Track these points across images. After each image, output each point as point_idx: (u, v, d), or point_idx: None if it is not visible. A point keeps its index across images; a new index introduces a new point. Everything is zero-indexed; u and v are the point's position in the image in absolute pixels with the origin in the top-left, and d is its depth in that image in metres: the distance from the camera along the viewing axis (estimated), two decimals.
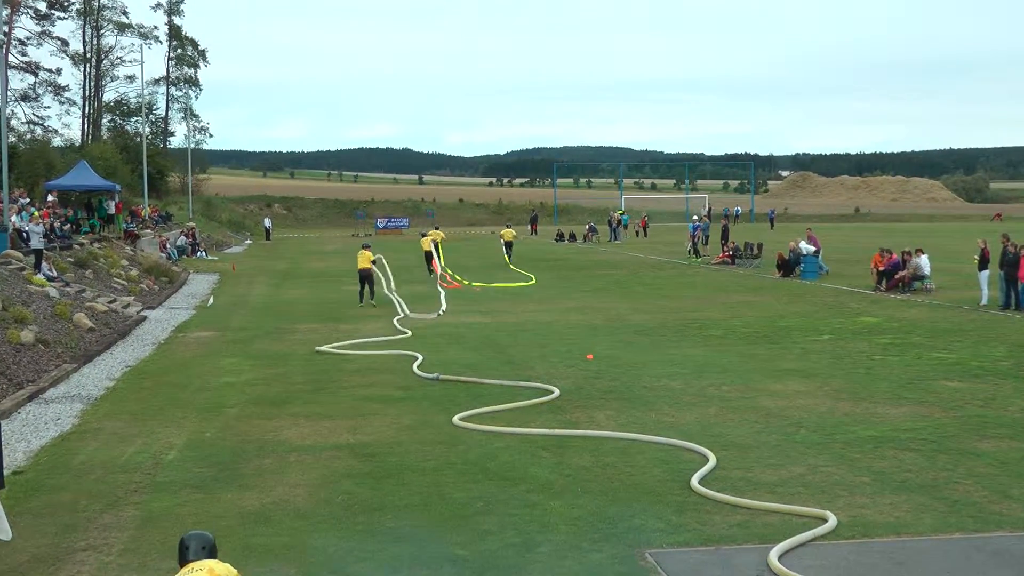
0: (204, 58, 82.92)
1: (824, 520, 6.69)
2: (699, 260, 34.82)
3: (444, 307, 20.63)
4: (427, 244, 28.58)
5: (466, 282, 26.96)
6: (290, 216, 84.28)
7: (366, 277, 21.43)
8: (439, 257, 27.91)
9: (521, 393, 11.44)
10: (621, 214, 56.89)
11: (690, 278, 27.90)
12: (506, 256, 36.68)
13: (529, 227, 63.82)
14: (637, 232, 57.23)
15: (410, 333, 16.75)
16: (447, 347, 15.27)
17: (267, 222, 61.22)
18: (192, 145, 78.33)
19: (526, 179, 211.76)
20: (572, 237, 52.45)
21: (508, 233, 38.77)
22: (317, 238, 62.48)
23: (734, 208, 79.76)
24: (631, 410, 10.48)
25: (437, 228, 36.37)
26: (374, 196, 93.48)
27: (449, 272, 28.68)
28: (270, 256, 42.70)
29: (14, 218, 24.46)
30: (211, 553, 3.84)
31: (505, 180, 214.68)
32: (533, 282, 27.61)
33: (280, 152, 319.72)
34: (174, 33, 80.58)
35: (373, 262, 21.68)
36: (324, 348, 15.21)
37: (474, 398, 11.17)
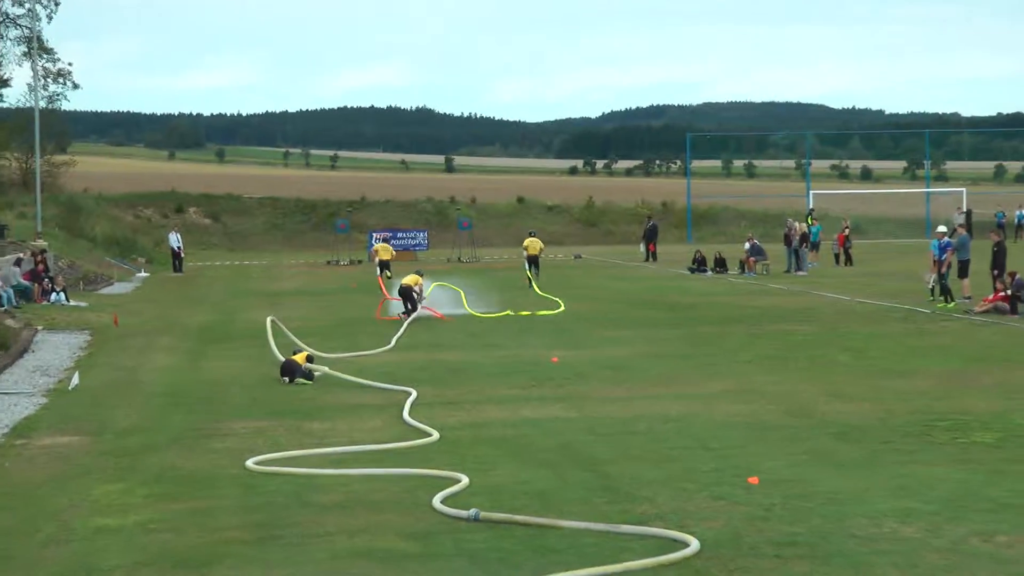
0: None
1: None
2: (951, 305, 34.73)
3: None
4: (386, 254, 46.65)
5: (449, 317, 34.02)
6: (217, 228, 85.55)
7: (289, 372, 23.06)
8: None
9: (629, 546, 11.43)
10: (810, 222, 56.58)
11: (934, 338, 27.78)
12: (529, 275, 45.73)
13: (643, 246, 64.06)
14: (837, 255, 56.79)
15: (436, 436, 17.03)
16: (500, 461, 15.45)
17: (175, 239, 61.92)
18: (43, 104, 79.70)
19: (636, 163, 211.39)
20: (721, 264, 52.49)
21: (534, 244, 47.89)
22: (265, 267, 63.17)
23: (1015, 212, 78.80)
24: None
25: (385, 241, 52.69)
26: (366, 192, 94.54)
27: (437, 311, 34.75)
28: (181, 300, 43.34)
29: None
30: None
31: (598, 164, 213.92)
32: (561, 309, 34.94)
33: (200, 116, 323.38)
34: None
35: (309, 359, 23.76)
36: (256, 464, 15.42)
37: (545, 554, 11.22)
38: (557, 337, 29.46)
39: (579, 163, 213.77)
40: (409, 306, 34.00)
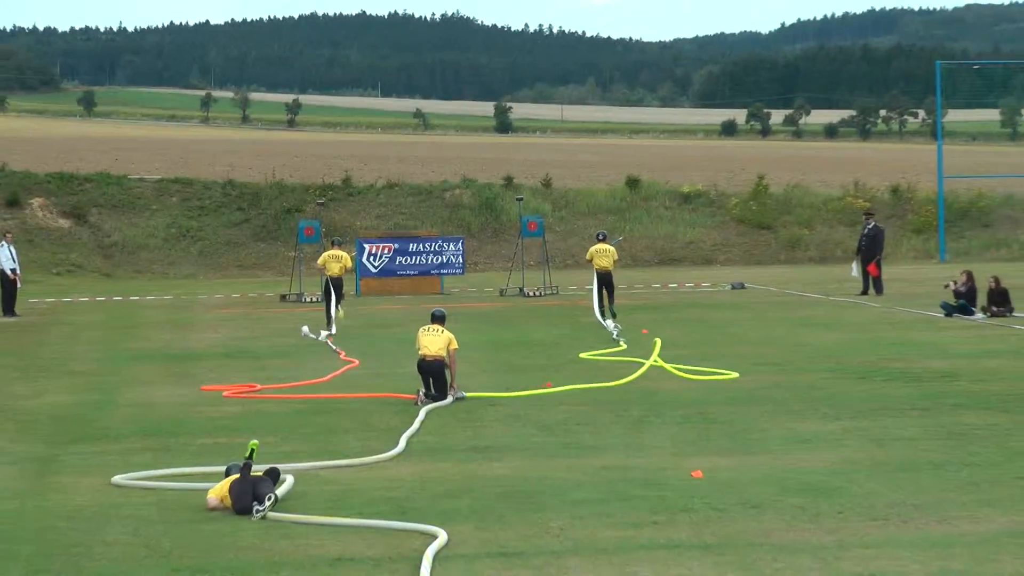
0: None
1: None
2: None
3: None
4: (336, 268, 51.28)
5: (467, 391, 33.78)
6: (83, 236, 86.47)
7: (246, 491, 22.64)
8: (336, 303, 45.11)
9: None
10: None
11: None
12: (601, 305, 49.98)
13: (857, 267, 65.04)
14: None
15: None
16: None
17: (6, 256, 61.47)
18: None
19: (842, 114, 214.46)
20: (1001, 300, 52.60)
21: (606, 254, 52.26)
22: (169, 306, 64.72)
23: None
24: None
25: (336, 244, 55.67)
26: (351, 169, 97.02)
27: None
28: (17, 365, 43.67)
29: None
30: None
31: (774, 116, 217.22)
32: (626, 376, 35.77)
33: (53, 33, 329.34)
34: None
35: (273, 475, 23.49)
36: None
37: None
38: (701, 432, 28.66)
39: (739, 115, 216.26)
40: (435, 391, 32.49)
